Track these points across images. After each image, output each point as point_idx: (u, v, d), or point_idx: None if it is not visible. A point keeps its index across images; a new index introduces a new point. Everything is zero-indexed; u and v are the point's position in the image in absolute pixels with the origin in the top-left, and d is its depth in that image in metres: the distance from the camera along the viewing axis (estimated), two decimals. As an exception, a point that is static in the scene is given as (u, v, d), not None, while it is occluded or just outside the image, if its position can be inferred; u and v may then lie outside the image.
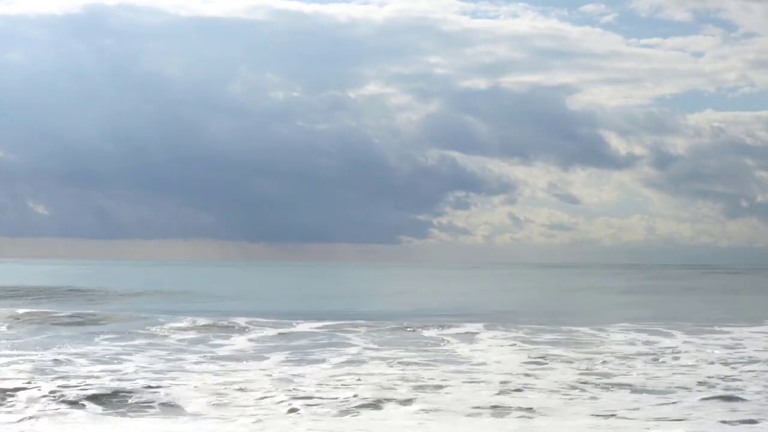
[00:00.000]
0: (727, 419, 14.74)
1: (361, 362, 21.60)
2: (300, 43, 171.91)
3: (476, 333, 29.27)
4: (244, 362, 21.59)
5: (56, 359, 21.35)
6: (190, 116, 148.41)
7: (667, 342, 26.90)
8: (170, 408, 15.50)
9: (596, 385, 18.14)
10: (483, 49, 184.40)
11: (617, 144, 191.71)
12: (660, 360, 22.44)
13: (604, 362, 21.85)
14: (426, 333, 29.49)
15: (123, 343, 25.22)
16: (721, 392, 17.34)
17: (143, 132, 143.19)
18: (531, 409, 15.53)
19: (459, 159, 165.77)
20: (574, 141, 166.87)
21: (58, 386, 16.95)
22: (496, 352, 24.14)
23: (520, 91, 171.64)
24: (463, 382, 18.48)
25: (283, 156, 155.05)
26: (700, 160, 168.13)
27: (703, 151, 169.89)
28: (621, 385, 18.19)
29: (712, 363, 21.86)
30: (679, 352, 23.99)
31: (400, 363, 21.33)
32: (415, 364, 21.30)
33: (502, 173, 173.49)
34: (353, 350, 24.30)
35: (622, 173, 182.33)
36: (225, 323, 31.35)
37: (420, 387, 17.66)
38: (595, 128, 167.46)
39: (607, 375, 19.64)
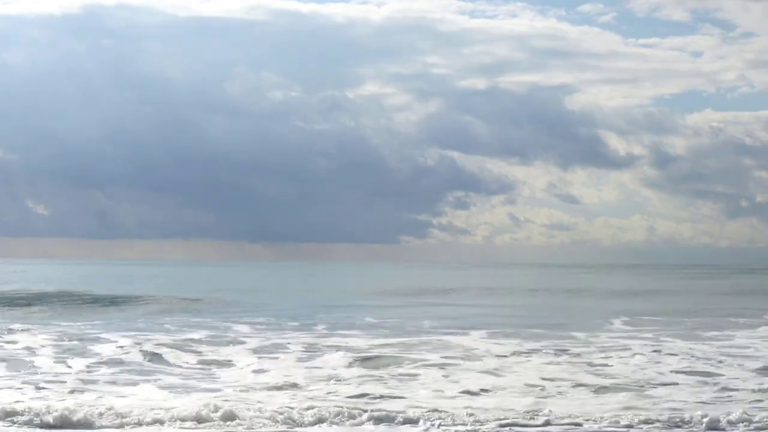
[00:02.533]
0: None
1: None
2: (298, 43, 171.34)
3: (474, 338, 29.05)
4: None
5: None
6: (189, 116, 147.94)
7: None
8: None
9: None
10: (481, 48, 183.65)
11: (616, 144, 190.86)
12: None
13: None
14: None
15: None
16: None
17: (142, 132, 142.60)
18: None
19: (458, 159, 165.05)
20: (573, 141, 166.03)
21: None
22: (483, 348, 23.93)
23: (519, 91, 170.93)
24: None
25: (282, 156, 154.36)
26: (700, 160, 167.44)
27: (702, 151, 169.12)
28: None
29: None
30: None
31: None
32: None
33: (501, 173, 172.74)
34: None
35: (622, 173, 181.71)
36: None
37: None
38: (594, 128, 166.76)
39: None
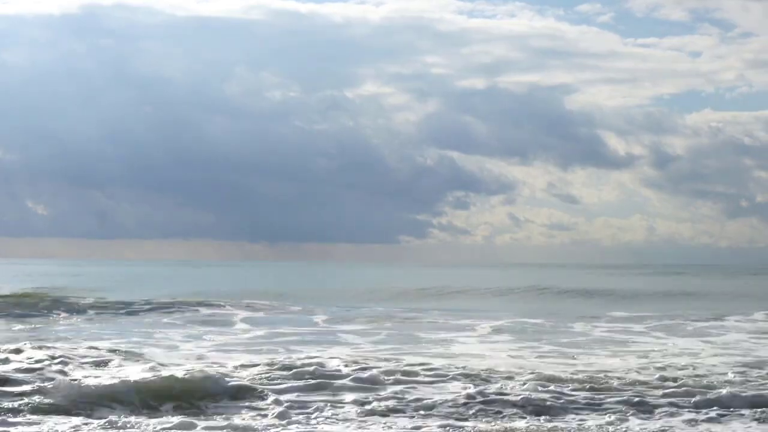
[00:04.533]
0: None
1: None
2: (297, 43, 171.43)
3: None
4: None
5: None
6: (189, 116, 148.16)
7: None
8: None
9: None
10: (480, 48, 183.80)
11: (616, 144, 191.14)
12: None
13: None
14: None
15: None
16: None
17: (142, 132, 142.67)
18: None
19: (458, 159, 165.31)
20: (572, 141, 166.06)
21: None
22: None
23: (518, 90, 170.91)
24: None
25: (281, 156, 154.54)
26: (699, 160, 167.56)
27: (701, 151, 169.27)
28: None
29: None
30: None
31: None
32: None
33: (501, 173, 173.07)
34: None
35: (622, 173, 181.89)
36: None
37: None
38: (593, 128, 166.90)
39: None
